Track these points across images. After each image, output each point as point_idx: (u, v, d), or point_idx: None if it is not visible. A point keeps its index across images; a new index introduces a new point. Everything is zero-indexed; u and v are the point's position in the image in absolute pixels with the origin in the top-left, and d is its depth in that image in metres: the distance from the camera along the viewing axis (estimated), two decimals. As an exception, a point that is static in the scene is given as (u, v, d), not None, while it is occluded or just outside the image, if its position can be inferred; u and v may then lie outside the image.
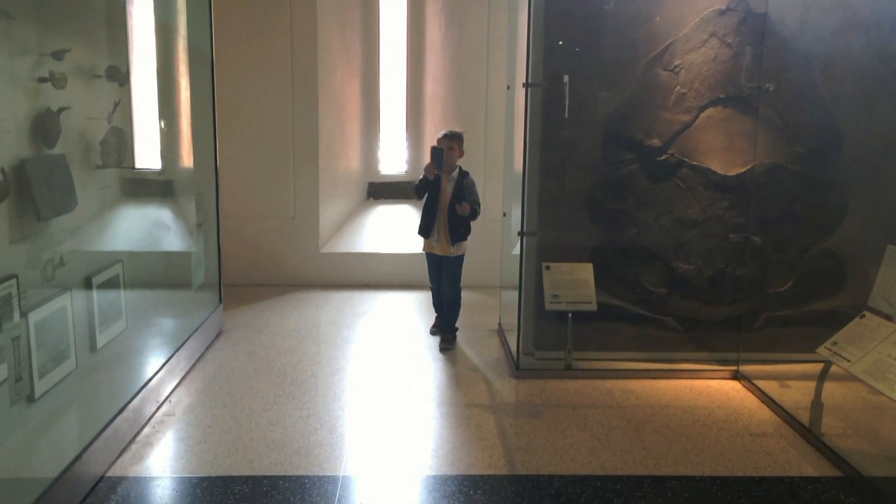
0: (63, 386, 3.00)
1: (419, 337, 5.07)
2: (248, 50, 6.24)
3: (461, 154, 4.73)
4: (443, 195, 4.69)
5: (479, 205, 4.73)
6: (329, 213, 6.79)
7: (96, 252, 3.46)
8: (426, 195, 4.75)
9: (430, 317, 5.32)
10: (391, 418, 3.71)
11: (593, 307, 4.31)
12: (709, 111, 4.35)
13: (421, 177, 4.73)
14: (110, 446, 3.13)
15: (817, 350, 3.58)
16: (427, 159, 4.67)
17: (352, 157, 7.31)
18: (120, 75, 3.72)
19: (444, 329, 4.94)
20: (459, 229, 4.71)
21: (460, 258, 4.80)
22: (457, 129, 4.77)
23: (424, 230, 4.80)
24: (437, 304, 5.10)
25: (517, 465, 3.20)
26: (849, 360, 3.38)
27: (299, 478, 3.04)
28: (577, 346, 4.35)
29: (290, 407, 3.78)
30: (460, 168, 4.72)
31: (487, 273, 6.27)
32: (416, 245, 6.50)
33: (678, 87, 4.33)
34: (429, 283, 5.15)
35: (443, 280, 4.85)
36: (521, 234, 4.30)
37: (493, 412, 3.79)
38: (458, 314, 4.95)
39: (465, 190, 4.64)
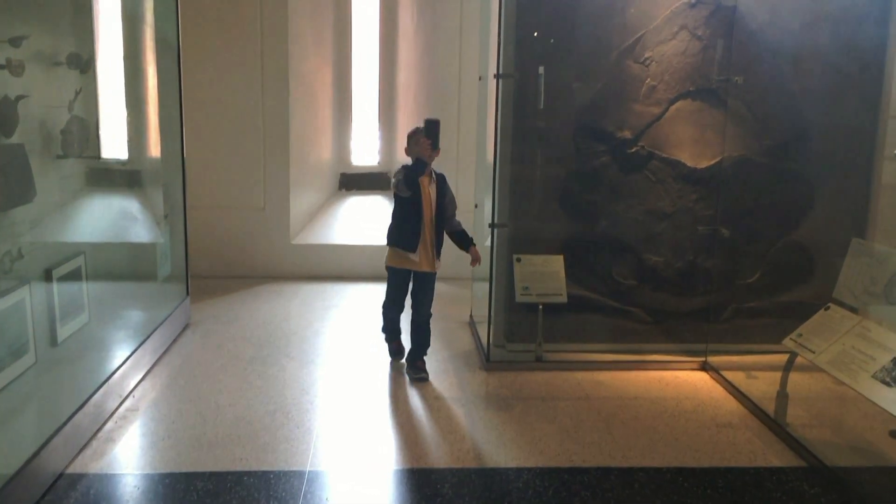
0: (21, 381, 2.94)
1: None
2: (217, 36, 6.14)
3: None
4: (426, 200, 3.98)
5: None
6: (300, 203, 6.72)
7: (57, 243, 3.38)
8: (406, 201, 3.96)
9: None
10: (360, 412, 3.68)
11: (564, 299, 4.31)
12: (679, 104, 4.35)
13: (406, 165, 3.91)
14: (70, 442, 3.07)
15: (783, 342, 3.62)
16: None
17: (323, 147, 7.24)
18: (82, 63, 3.64)
19: (419, 355, 4.20)
20: (466, 238, 4.14)
21: (435, 275, 4.14)
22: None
23: (410, 242, 3.99)
24: (395, 325, 4.33)
25: (485, 459, 3.19)
26: (814, 352, 3.41)
27: (265, 473, 3.00)
28: (547, 338, 4.35)
29: (257, 401, 3.74)
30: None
31: (459, 265, 6.24)
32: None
33: (649, 80, 4.33)
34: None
35: (419, 300, 4.12)
36: (491, 225, 4.29)
37: (463, 405, 3.77)
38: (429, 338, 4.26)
39: (446, 197, 4.06)
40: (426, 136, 3.86)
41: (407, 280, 4.12)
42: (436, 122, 3.87)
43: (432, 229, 4.02)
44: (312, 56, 6.81)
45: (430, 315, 4.19)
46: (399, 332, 4.39)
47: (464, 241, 4.13)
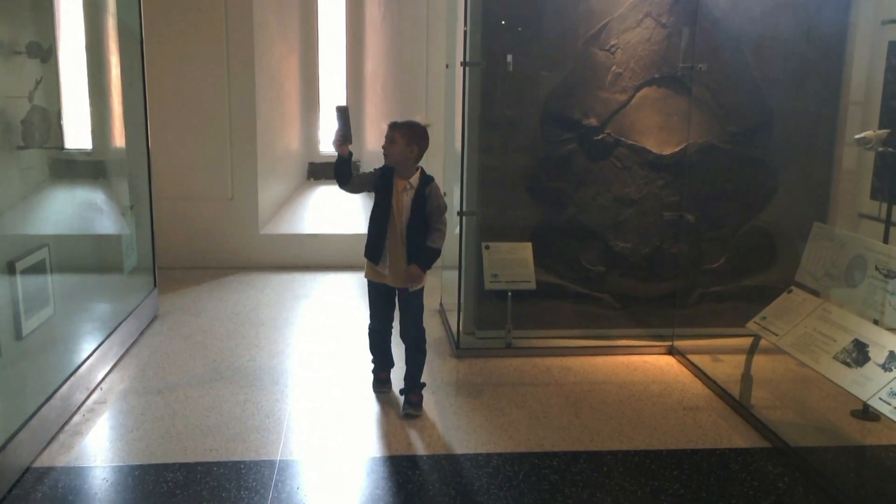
0: (-15, 376, 2.90)
1: (360, 319, 5.03)
2: (181, 24, 6.04)
3: (413, 151, 3.39)
4: (396, 208, 3.41)
5: (445, 225, 3.47)
6: (268, 193, 6.67)
7: (19, 236, 3.33)
8: (375, 206, 3.48)
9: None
10: (331, 401, 3.68)
11: (532, 286, 4.34)
12: (644, 91, 4.39)
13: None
14: (37, 436, 3.04)
15: (747, 325, 3.69)
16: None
17: (291, 136, 7.19)
18: (42, 52, 3.57)
19: (409, 386, 3.60)
20: (423, 255, 3.43)
21: (422, 290, 3.57)
22: (416, 119, 3.46)
23: (373, 252, 3.48)
24: (381, 349, 3.78)
25: (455, 445, 3.22)
26: (777, 335, 3.49)
27: (235, 463, 3.00)
28: (517, 325, 4.38)
29: (226, 392, 3.72)
30: (422, 171, 3.47)
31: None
32: (357, 225, 6.47)
33: (614, 67, 4.36)
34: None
35: (401, 319, 3.62)
36: (460, 213, 4.31)
37: (433, 392, 3.79)
38: (424, 362, 3.64)
39: (427, 204, 3.41)
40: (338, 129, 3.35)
41: (384, 294, 3.60)
42: (341, 108, 3.36)
43: (403, 241, 3.43)
44: (278, 44, 6.74)
45: (421, 332, 3.60)
46: (388, 363, 3.84)
47: (420, 256, 3.44)
